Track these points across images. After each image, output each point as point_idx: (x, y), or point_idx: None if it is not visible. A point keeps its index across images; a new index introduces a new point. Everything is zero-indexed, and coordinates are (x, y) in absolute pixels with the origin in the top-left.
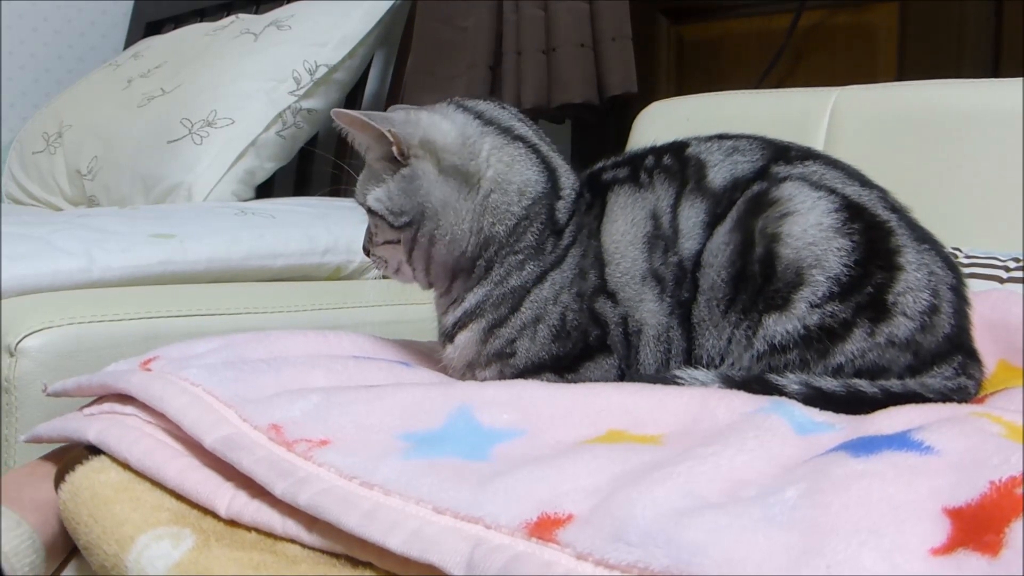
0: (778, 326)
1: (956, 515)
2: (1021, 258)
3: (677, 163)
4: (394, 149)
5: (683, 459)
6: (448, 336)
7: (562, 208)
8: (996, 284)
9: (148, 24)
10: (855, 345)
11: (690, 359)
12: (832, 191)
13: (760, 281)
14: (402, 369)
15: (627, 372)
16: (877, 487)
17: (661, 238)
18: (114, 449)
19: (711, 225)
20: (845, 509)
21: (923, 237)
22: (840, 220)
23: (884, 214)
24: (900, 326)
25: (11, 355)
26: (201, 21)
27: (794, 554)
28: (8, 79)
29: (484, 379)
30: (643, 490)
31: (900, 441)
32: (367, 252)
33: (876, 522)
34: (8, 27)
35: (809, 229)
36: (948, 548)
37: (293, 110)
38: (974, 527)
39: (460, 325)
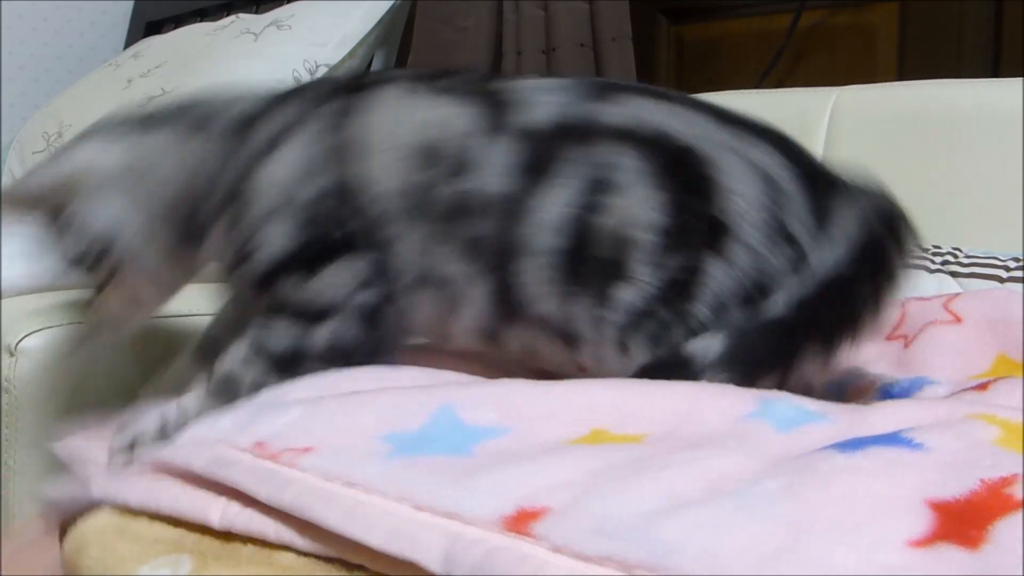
0: (627, 295)
1: (941, 509)
2: (1021, 258)
3: (485, 90)
4: None
5: (665, 457)
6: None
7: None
8: (996, 284)
9: (148, 24)
10: (721, 278)
11: (509, 313)
12: (650, 141)
13: (598, 255)
14: (387, 372)
15: (368, 286)
16: (861, 482)
17: (445, 158)
18: (113, 498)
19: (532, 171)
20: (824, 505)
21: (761, 138)
22: (655, 173)
23: (707, 140)
24: (751, 235)
25: (11, 355)
26: (201, 21)
27: (768, 550)
28: (8, 79)
29: (237, 281)
30: (622, 485)
31: (890, 439)
32: None
33: (853, 517)
34: (8, 27)
35: (627, 201)
36: (928, 540)
37: None
38: (959, 522)
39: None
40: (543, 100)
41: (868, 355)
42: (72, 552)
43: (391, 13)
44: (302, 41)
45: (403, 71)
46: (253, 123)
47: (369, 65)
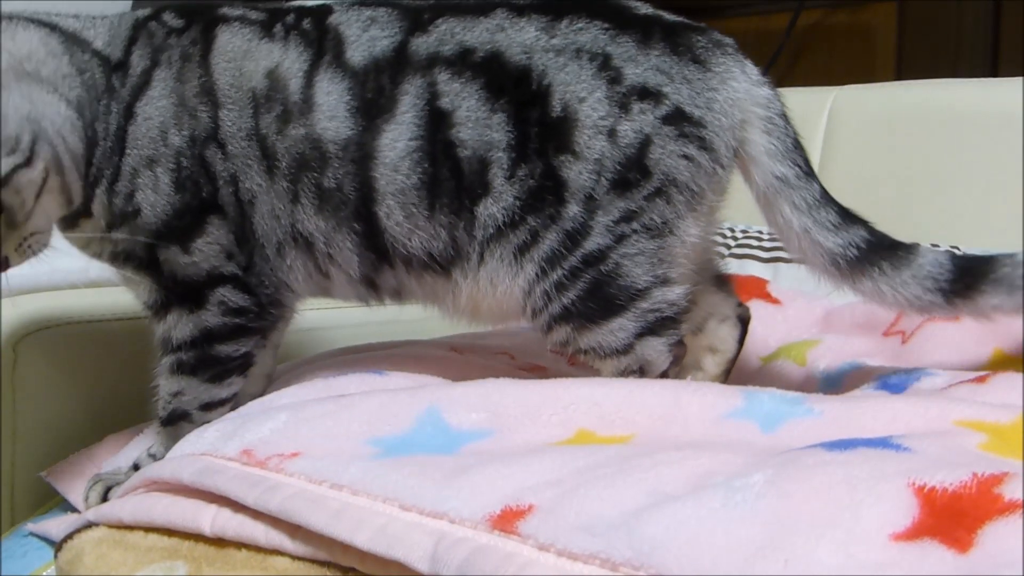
0: (492, 208)
1: (927, 497)
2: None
3: (316, 30)
4: None
5: (651, 457)
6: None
7: (105, 43)
8: None
9: None
10: (579, 171)
11: (382, 259)
12: (475, 65)
13: (455, 182)
14: (374, 379)
15: (243, 244)
16: (841, 471)
17: (278, 102)
18: (106, 516)
19: (365, 113)
20: (807, 499)
21: (591, 19)
22: (488, 97)
23: (535, 50)
24: (591, 119)
25: (11, 355)
26: None
27: (753, 548)
28: None
29: (117, 242)
30: (607, 483)
31: (880, 443)
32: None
33: (836, 507)
34: None
35: (470, 123)
36: (912, 534)
37: None
38: (946, 517)
39: (89, 197)
40: (366, 36)
41: (866, 349)
42: (66, 563)
43: None
44: None
45: (237, 10)
46: (130, 51)
47: None
